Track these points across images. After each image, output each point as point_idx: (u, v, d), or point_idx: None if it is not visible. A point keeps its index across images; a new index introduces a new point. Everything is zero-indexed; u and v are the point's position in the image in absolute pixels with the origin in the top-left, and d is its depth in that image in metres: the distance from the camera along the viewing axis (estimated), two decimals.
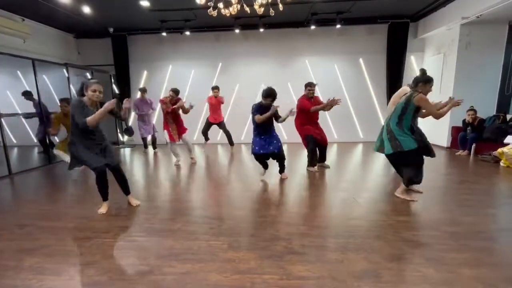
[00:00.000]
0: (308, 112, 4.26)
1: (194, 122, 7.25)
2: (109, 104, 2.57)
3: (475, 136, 5.24)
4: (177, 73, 7.44)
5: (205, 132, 6.39)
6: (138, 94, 6.42)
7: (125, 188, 3.06)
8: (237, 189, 3.63)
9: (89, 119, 2.58)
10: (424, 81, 2.90)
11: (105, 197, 2.92)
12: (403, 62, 6.72)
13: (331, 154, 5.88)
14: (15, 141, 6.51)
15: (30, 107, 5.22)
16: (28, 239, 2.34)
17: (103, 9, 5.50)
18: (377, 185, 3.71)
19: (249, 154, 5.64)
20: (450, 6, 5.47)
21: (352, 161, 5.29)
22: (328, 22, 6.42)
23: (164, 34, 6.64)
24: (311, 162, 4.38)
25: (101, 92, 2.72)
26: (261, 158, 3.90)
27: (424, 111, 2.98)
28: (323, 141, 4.43)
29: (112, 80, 7.55)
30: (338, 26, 6.32)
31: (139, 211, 2.92)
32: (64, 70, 5.97)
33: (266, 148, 3.74)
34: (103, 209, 2.89)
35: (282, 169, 4.04)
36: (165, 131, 4.84)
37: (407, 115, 2.88)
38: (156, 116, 7.26)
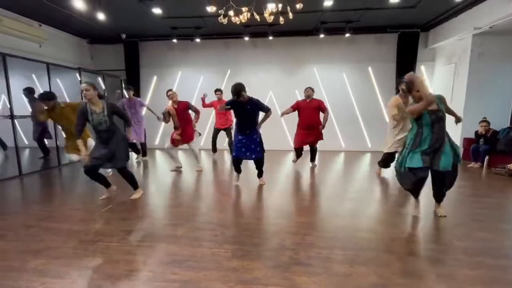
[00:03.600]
0: (300, 112, 4.75)
1: (202, 129, 7.27)
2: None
3: (488, 148, 5.09)
4: (186, 79, 7.53)
5: (214, 142, 6.13)
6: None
7: (131, 184, 3.40)
8: (242, 196, 3.59)
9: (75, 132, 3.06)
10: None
11: (104, 186, 3.34)
12: (413, 72, 6.64)
13: (338, 163, 5.81)
14: (27, 142, 6.66)
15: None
16: (33, 240, 2.34)
17: (116, 16, 5.65)
18: (386, 196, 3.62)
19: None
20: (462, 16, 5.42)
21: (360, 170, 5.20)
22: (337, 30, 6.43)
23: (174, 40, 6.76)
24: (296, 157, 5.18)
25: (87, 90, 2.92)
26: (236, 162, 3.86)
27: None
28: (309, 143, 4.89)
29: (123, 85, 7.69)
30: (347, 35, 6.33)
31: (144, 215, 2.91)
32: (77, 74, 6.11)
33: (243, 153, 3.68)
34: (104, 195, 3.35)
35: (259, 173, 4.02)
36: (172, 135, 4.70)
37: None
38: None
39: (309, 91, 4.83)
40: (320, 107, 4.76)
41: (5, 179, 4.41)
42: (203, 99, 5.81)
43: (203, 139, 7.45)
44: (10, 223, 2.71)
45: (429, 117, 2.63)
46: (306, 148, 5.09)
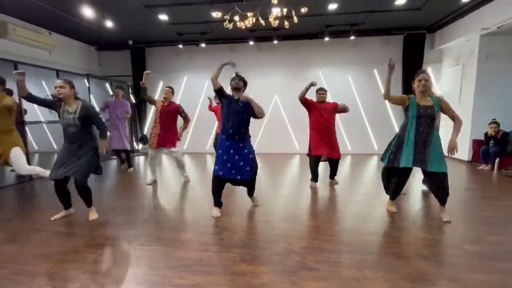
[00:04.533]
0: (315, 113, 3.89)
1: (207, 133, 7.32)
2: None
3: (498, 150, 5.00)
4: (192, 84, 7.61)
5: (216, 147, 5.92)
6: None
7: (85, 201, 2.90)
8: (248, 200, 3.59)
9: None
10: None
11: (64, 205, 2.95)
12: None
13: (345, 166, 5.76)
14: (36, 148, 6.79)
15: (53, 116, 5.41)
16: (44, 244, 2.38)
17: (124, 23, 5.77)
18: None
19: (262, 164, 5.55)
20: (468, 17, 5.36)
21: (367, 173, 5.15)
22: (342, 33, 6.43)
23: (180, 46, 6.86)
24: (313, 177, 4.03)
25: (62, 87, 2.60)
26: (218, 183, 2.92)
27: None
28: (331, 155, 3.91)
29: (130, 90, 7.81)
30: (352, 37, 6.33)
31: (150, 220, 2.93)
32: (85, 80, 6.23)
33: (229, 171, 2.80)
34: (57, 215, 2.91)
35: (250, 192, 3.17)
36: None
37: None
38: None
39: (323, 93, 4.06)
40: (335, 106, 4.00)
41: (15, 184, 4.51)
42: (210, 105, 5.63)
43: (208, 144, 7.49)
44: (21, 227, 2.76)
45: (416, 110, 2.66)
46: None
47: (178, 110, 4.13)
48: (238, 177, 2.82)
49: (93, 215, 2.93)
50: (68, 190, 2.90)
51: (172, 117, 4.13)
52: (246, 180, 2.86)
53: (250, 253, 2.18)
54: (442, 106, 2.67)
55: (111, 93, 7.23)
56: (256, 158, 3.02)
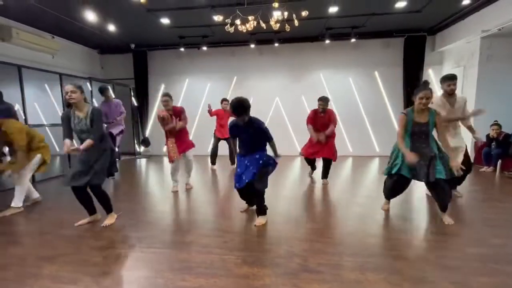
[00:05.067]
0: (315, 125, 4.17)
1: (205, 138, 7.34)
2: None
3: (500, 152, 4.99)
4: (193, 87, 7.65)
5: (214, 153, 5.81)
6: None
7: (104, 207, 2.89)
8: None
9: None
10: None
11: (88, 211, 2.89)
12: (421, 75, 6.61)
13: (346, 168, 5.76)
14: None
15: (56, 119, 5.44)
16: (48, 246, 2.40)
17: (126, 27, 5.82)
18: (395, 201, 3.56)
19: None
20: (469, 19, 5.38)
21: (368, 175, 5.15)
22: (342, 36, 6.46)
23: (182, 49, 6.92)
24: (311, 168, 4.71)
25: (74, 92, 2.53)
26: (240, 194, 3.10)
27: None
28: (319, 154, 4.14)
29: (132, 93, 7.86)
30: (353, 40, 6.35)
31: (153, 222, 2.94)
32: (88, 84, 6.28)
33: (241, 179, 2.85)
34: (81, 221, 2.86)
35: (258, 211, 2.93)
36: (165, 147, 4.12)
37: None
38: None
39: (323, 103, 4.11)
40: (330, 119, 4.16)
41: None
42: (209, 111, 5.62)
43: (210, 146, 7.50)
44: (26, 229, 2.78)
45: (411, 127, 2.75)
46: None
47: (182, 111, 4.00)
48: (245, 180, 2.79)
49: (110, 220, 2.87)
50: (89, 195, 2.81)
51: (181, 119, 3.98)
52: (249, 180, 2.76)
53: (252, 255, 2.19)
54: (436, 122, 2.70)
55: (113, 96, 7.26)
56: (272, 170, 3.00)
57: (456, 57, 6.25)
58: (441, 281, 1.83)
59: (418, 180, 2.75)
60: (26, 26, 5.42)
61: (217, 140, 5.77)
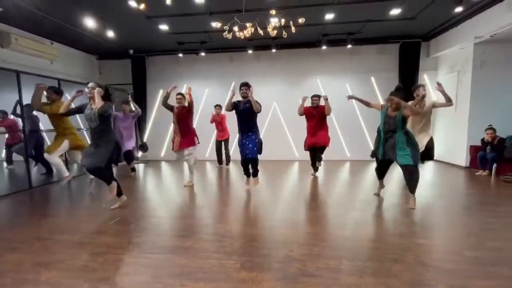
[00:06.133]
0: (309, 119, 4.95)
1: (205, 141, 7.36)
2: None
3: (495, 156, 5.05)
4: (192, 92, 7.67)
5: (219, 154, 6.51)
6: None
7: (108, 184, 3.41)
8: (248, 207, 3.60)
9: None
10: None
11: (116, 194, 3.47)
12: (416, 81, 6.70)
13: (344, 172, 5.79)
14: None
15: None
16: (45, 252, 2.38)
17: (125, 33, 5.86)
18: (393, 205, 3.59)
19: (262, 170, 5.55)
20: (462, 26, 5.50)
21: (366, 180, 5.17)
22: (339, 42, 6.56)
23: (180, 55, 6.97)
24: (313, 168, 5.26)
25: (93, 88, 3.18)
26: (243, 164, 4.08)
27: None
28: (318, 143, 4.87)
29: (130, 98, 7.85)
30: (349, 46, 6.45)
31: (151, 227, 2.93)
32: (86, 90, 6.28)
33: (243, 152, 3.89)
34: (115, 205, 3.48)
35: (254, 173, 4.16)
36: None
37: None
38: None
39: (316, 99, 4.95)
40: (322, 109, 4.93)
41: (16, 192, 4.50)
42: (213, 118, 6.35)
43: (207, 152, 7.52)
44: (23, 235, 2.76)
45: (383, 118, 3.44)
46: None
47: (190, 107, 4.52)
48: (248, 155, 3.83)
49: (111, 193, 3.37)
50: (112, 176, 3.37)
51: (188, 117, 4.53)
52: (252, 157, 3.84)
53: (251, 260, 2.19)
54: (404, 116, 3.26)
55: (133, 108, 7.33)
56: (262, 141, 4.04)
57: (450, 63, 6.36)
58: (438, 284, 1.84)
59: (389, 159, 3.42)
60: (26, 32, 5.45)
61: (219, 143, 6.45)
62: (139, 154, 7.97)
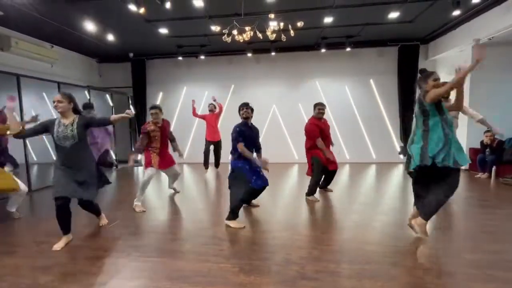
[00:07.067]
0: (322, 136, 3.85)
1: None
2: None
3: (494, 158, 5.05)
4: (191, 95, 7.70)
5: (206, 157, 6.02)
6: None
7: (95, 213, 3.04)
8: (246, 211, 3.60)
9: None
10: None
11: (65, 230, 2.61)
12: (415, 83, 6.72)
13: (343, 175, 5.79)
14: (35, 159, 6.79)
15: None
16: (43, 256, 2.37)
17: (125, 36, 5.89)
18: (392, 208, 3.58)
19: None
20: (460, 29, 5.53)
21: (365, 182, 5.17)
22: (338, 45, 6.59)
23: (180, 58, 7.00)
24: (312, 190, 3.89)
25: (60, 102, 2.48)
26: (255, 193, 3.39)
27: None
28: (333, 166, 3.93)
29: (130, 101, 7.89)
30: (348, 49, 6.48)
31: (149, 231, 2.93)
32: (86, 92, 6.31)
33: (261, 178, 3.13)
34: (60, 243, 2.54)
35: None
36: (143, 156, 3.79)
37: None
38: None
39: (323, 109, 3.89)
40: (327, 125, 4.03)
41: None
42: (193, 107, 6.06)
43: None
44: (22, 239, 2.75)
45: (447, 110, 2.47)
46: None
47: (169, 123, 3.94)
48: (266, 182, 3.19)
49: (104, 220, 3.09)
50: (70, 211, 2.61)
51: (166, 135, 3.84)
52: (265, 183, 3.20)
53: (250, 263, 2.18)
54: None
55: (111, 104, 7.30)
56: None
57: (449, 66, 6.38)
58: (437, 287, 1.84)
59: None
60: (26, 36, 5.48)
61: (209, 144, 6.01)
62: (138, 157, 7.96)
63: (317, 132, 3.80)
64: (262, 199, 4.01)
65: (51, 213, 3.67)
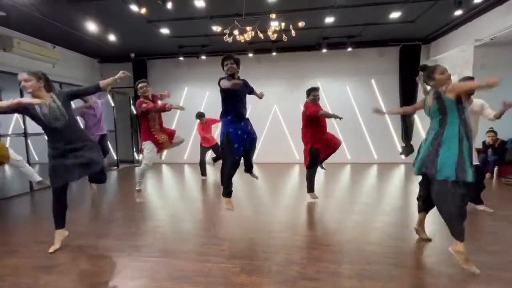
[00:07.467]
0: (316, 119, 3.71)
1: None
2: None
3: (496, 159, 5.03)
4: (192, 95, 7.72)
5: (202, 163, 5.57)
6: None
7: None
8: (247, 210, 3.59)
9: None
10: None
11: (59, 223, 2.46)
12: (416, 84, 6.70)
13: (345, 175, 5.78)
14: (37, 159, 6.81)
15: None
16: (44, 256, 2.38)
17: (126, 36, 5.90)
18: (393, 208, 3.57)
19: (262, 173, 5.54)
20: (462, 29, 5.51)
21: (366, 182, 5.16)
22: (339, 45, 6.58)
23: (181, 58, 7.01)
24: (309, 186, 3.76)
25: (27, 80, 2.24)
26: (236, 164, 2.80)
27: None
28: (334, 147, 3.84)
29: (131, 102, 7.91)
30: (350, 49, 6.47)
31: (150, 231, 2.93)
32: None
33: (245, 140, 2.78)
34: (55, 245, 2.42)
35: (251, 167, 3.15)
36: (147, 142, 3.72)
37: None
38: None
39: (317, 94, 3.99)
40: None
41: (17, 195, 4.51)
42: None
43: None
44: (23, 239, 2.76)
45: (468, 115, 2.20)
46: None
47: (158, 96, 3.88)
48: (254, 136, 2.93)
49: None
50: (67, 201, 2.51)
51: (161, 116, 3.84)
52: (256, 137, 2.96)
53: (250, 263, 2.18)
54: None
55: (112, 104, 7.32)
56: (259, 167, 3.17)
57: (450, 65, 6.30)
58: None
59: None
60: (28, 36, 5.50)
61: (204, 150, 5.62)
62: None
63: (318, 107, 3.70)
64: (262, 199, 4.01)
65: (52, 212, 3.70)
